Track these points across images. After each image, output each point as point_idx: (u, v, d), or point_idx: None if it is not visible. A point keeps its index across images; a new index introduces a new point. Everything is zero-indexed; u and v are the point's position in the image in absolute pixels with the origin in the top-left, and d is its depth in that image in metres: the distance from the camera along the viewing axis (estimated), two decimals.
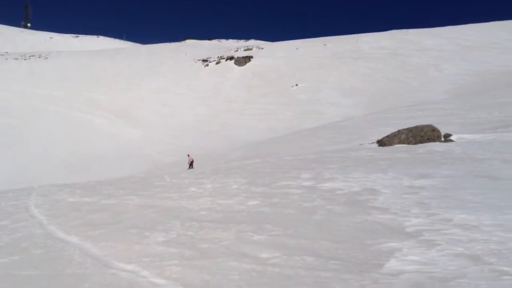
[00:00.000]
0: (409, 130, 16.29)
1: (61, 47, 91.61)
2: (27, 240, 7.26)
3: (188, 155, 28.50)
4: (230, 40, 70.28)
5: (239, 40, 68.85)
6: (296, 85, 47.70)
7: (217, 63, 53.03)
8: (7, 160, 36.09)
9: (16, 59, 60.20)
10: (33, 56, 61.65)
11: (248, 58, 52.38)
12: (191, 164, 27.31)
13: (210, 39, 72.00)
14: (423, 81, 52.71)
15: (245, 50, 55.48)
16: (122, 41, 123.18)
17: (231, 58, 53.24)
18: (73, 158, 36.18)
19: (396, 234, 5.71)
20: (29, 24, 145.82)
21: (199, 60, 54.55)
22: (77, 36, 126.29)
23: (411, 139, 15.81)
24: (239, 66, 51.51)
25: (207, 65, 53.09)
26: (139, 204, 9.19)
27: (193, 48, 60.34)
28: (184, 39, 70.92)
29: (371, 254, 5.04)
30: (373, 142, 17.69)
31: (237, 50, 55.87)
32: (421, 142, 15.53)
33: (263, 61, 51.11)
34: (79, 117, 44.69)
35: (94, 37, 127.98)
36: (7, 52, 66.62)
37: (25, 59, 60.02)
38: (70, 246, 6.55)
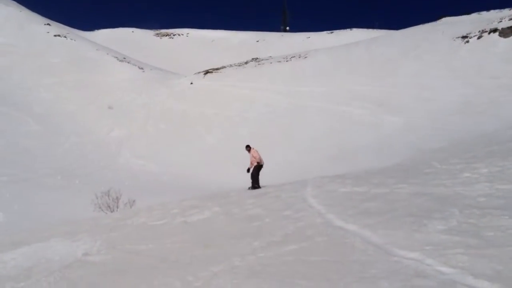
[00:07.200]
0: None
1: (318, 44, 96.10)
2: (310, 228, 7.83)
3: (250, 148, 16.70)
4: (492, 11, 63.91)
5: (502, 10, 62.10)
6: None
7: (479, 37, 48.81)
8: (278, 155, 39.54)
9: (279, 61, 65.28)
10: (293, 57, 66.05)
11: None
12: (256, 172, 16.25)
13: (468, 13, 66.95)
14: None
15: (510, 19, 49.78)
16: (375, 30, 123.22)
17: (494, 30, 48.44)
18: (335, 150, 37.63)
19: None
20: (287, 28, 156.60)
21: (458, 37, 51.06)
22: (331, 32, 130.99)
23: None
24: (504, 37, 46.52)
25: (467, 41, 49.36)
26: (411, 192, 9.08)
27: (450, 26, 56.81)
28: (440, 17, 67.49)
29: None
30: None
31: (500, 21, 50.50)
32: None
33: None
34: (339, 110, 46.27)
35: (348, 30, 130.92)
36: (271, 56, 72.84)
37: (286, 61, 64.67)
38: (350, 234, 6.85)
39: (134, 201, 21.42)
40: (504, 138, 17.80)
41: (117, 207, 21.04)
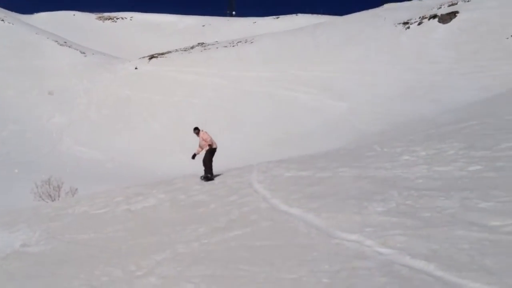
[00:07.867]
0: None
1: (264, 30, 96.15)
2: (254, 213, 7.86)
3: (198, 131, 14.02)
4: None
5: None
6: None
7: (419, 24, 50.11)
8: (225, 141, 39.30)
9: (225, 46, 64.85)
10: (239, 42, 65.82)
11: (453, 14, 48.46)
12: (208, 158, 13.72)
13: None
14: None
15: (449, 5, 51.35)
16: (319, 15, 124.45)
17: (434, 16, 49.87)
18: (281, 134, 38.00)
19: None
20: (233, 12, 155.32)
21: (399, 23, 52.27)
22: (277, 18, 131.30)
23: None
24: (443, 23, 47.96)
25: (408, 27, 50.60)
26: (353, 175, 9.26)
27: (392, 12, 58.00)
28: (382, 3, 68.86)
29: None
30: None
31: (440, 7, 51.99)
32: None
33: (471, 14, 46.77)
34: (284, 95, 46.56)
35: (293, 15, 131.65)
36: (217, 41, 72.30)
37: (233, 46, 64.35)
38: (294, 218, 6.92)
39: (76, 189, 20.90)
40: (441, 121, 18.41)
41: (59, 196, 20.47)
